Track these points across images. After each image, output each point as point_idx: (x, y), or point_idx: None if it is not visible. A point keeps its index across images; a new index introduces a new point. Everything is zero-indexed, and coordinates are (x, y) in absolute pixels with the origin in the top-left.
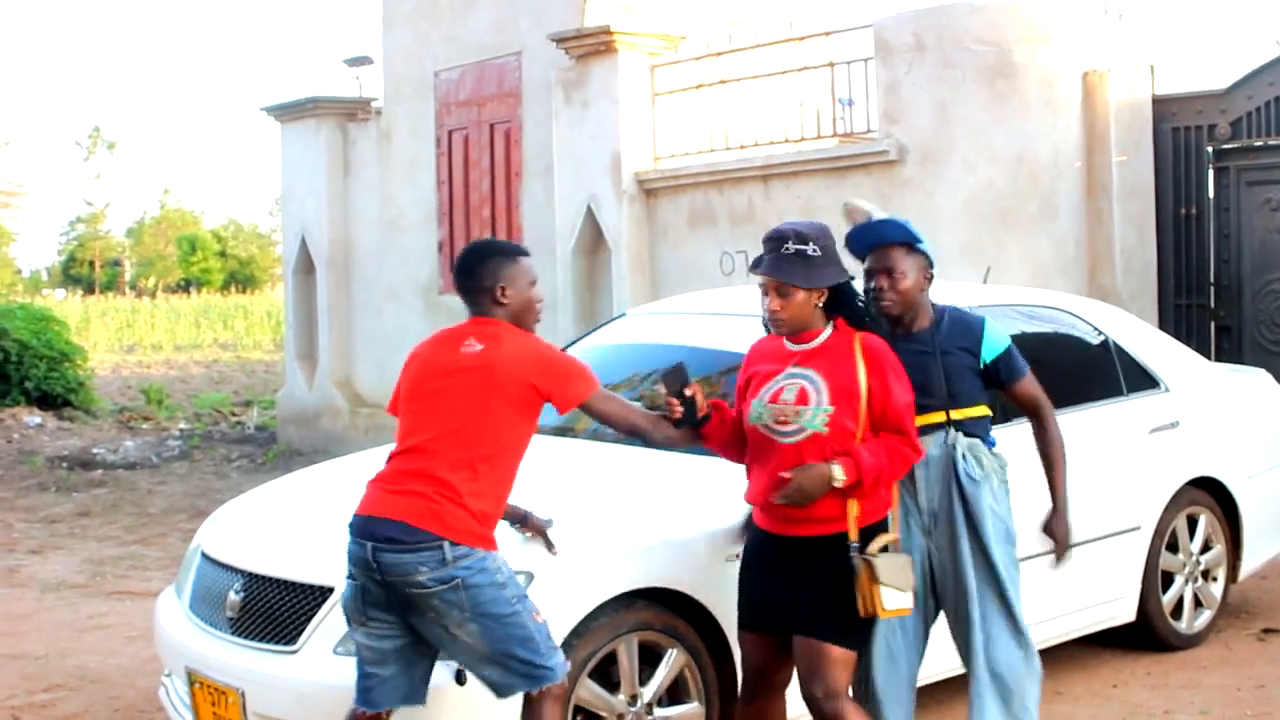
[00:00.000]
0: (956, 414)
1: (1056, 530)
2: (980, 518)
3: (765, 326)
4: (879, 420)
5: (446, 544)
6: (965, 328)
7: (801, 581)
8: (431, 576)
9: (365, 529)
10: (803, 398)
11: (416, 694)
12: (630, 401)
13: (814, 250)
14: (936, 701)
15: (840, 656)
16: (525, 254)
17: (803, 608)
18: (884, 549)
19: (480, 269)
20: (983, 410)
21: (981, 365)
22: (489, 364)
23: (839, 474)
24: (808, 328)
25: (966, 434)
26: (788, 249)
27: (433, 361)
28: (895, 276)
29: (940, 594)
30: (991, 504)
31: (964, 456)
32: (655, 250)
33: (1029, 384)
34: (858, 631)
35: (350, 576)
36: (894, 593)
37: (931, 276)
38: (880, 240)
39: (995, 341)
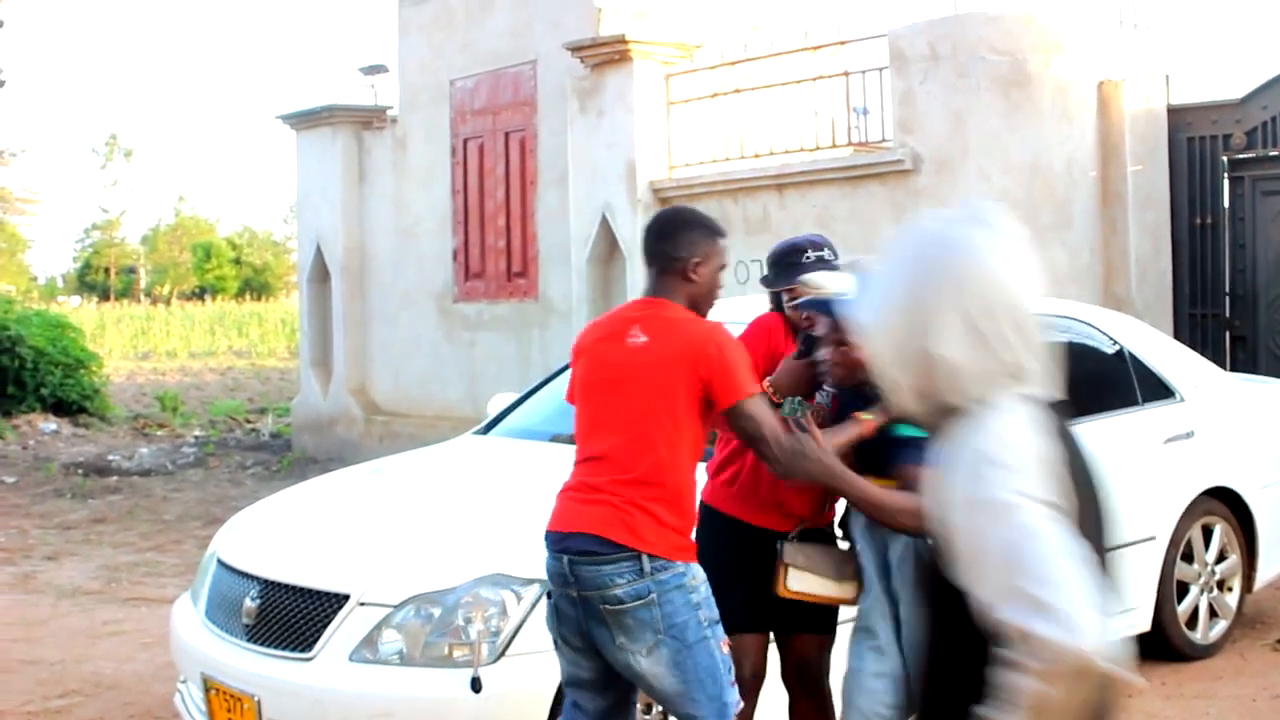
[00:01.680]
0: None
1: None
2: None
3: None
4: None
5: (644, 556)
6: None
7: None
8: (628, 590)
9: (560, 543)
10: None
11: None
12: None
13: (830, 255)
14: None
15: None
16: (724, 235)
17: (796, 603)
18: (807, 538)
19: (679, 237)
20: None
21: None
22: (657, 359)
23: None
24: None
25: None
26: (809, 257)
27: (603, 356)
28: (845, 350)
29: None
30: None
31: None
32: None
33: None
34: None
35: (548, 594)
36: (801, 575)
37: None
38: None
39: None
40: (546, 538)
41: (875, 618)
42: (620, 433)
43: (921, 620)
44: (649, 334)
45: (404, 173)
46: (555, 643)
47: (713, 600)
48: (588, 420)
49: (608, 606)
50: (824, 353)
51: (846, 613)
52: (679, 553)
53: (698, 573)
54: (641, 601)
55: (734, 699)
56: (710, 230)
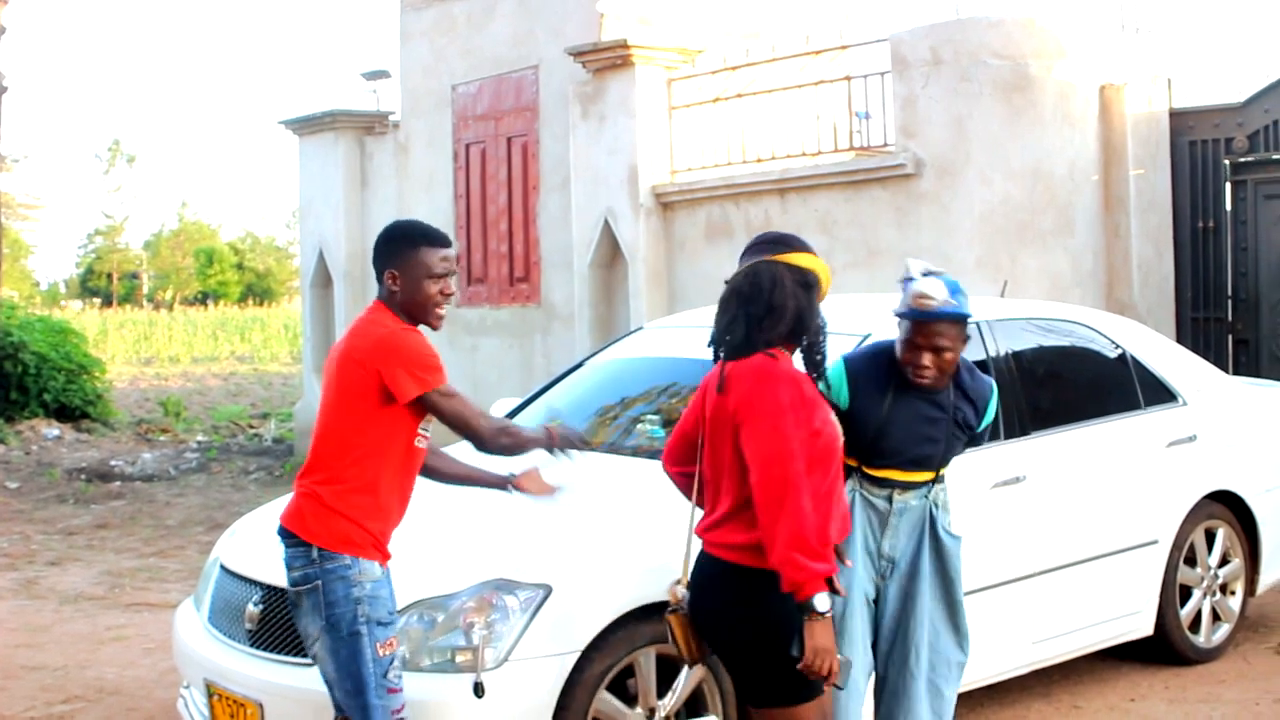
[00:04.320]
0: (943, 469)
1: None
2: (956, 570)
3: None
4: None
5: (313, 547)
6: (978, 394)
7: None
8: (298, 575)
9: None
10: None
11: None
12: (470, 404)
13: None
14: None
15: None
16: (434, 243)
17: None
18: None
19: (381, 248)
20: None
21: (978, 430)
22: (342, 359)
23: None
24: None
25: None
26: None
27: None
28: (945, 355)
29: (878, 639)
30: (960, 553)
31: (942, 509)
32: (672, 263)
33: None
34: None
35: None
36: None
37: (968, 339)
38: (929, 314)
39: (991, 411)
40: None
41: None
42: (318, 430)
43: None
44: (346, 337)
45: (406, 178)
46: None
47: (384, 601)
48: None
49: (291, 589)
50: (918, 357)
51: None
52: (346, 545)
53: (369, 569)
54: (309, 586)
55: (380, 703)
56: (412, 240)
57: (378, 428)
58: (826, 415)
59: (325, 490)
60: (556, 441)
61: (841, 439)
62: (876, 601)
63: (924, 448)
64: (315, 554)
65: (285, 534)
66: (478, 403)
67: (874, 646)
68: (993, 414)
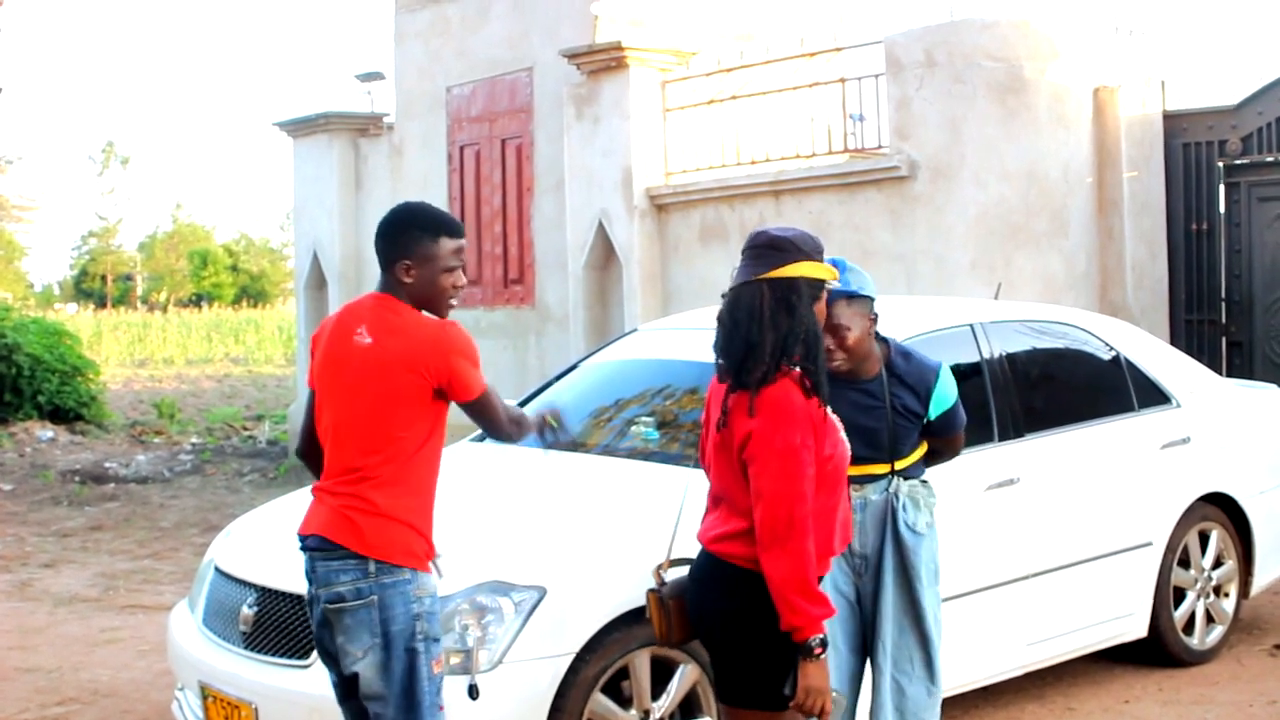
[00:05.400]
0: (900, 464)
1: None
2: (915, 567)
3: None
4: None
5: (370, 560)
6: (917, 377)
7: None
8: (349, 589)
9: (301, 543)
10: None
11: None
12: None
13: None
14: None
15: None
16: (452, 233)
17: None
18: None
19: (396, 236)
20: (922, 451)
21: (925, 420)
22: (383, 362)
23: None
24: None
25: (905, 477)
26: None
27: (332, 353)
28: (841, 334)
29: (864, 636)
30: (926, 550)
31: (904, 506)
32: (666, 265)
33: (960, 439)
34: None
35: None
36: None
37: (876, 318)
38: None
39: (945, 396)
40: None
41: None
42: (350, 436)
43: None
44: (375, 335)
45: (400, 180)
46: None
47: (438, 617)
48: (327, 422)
49: (329, 606)
50: (827, 340)
51: None
52: (407, 558)
53: (426, 583)
54: (362, 602)
55: None
56: (431, 230)
57: (427, 424)
58: (836, 437)
59: (380, 495)
60: (546, 428)
61: (849, 454)
62: (861, 601)
63: (861, 438)
64: (373, 567)
65: (325, 545)
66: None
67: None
68: (949, 399)
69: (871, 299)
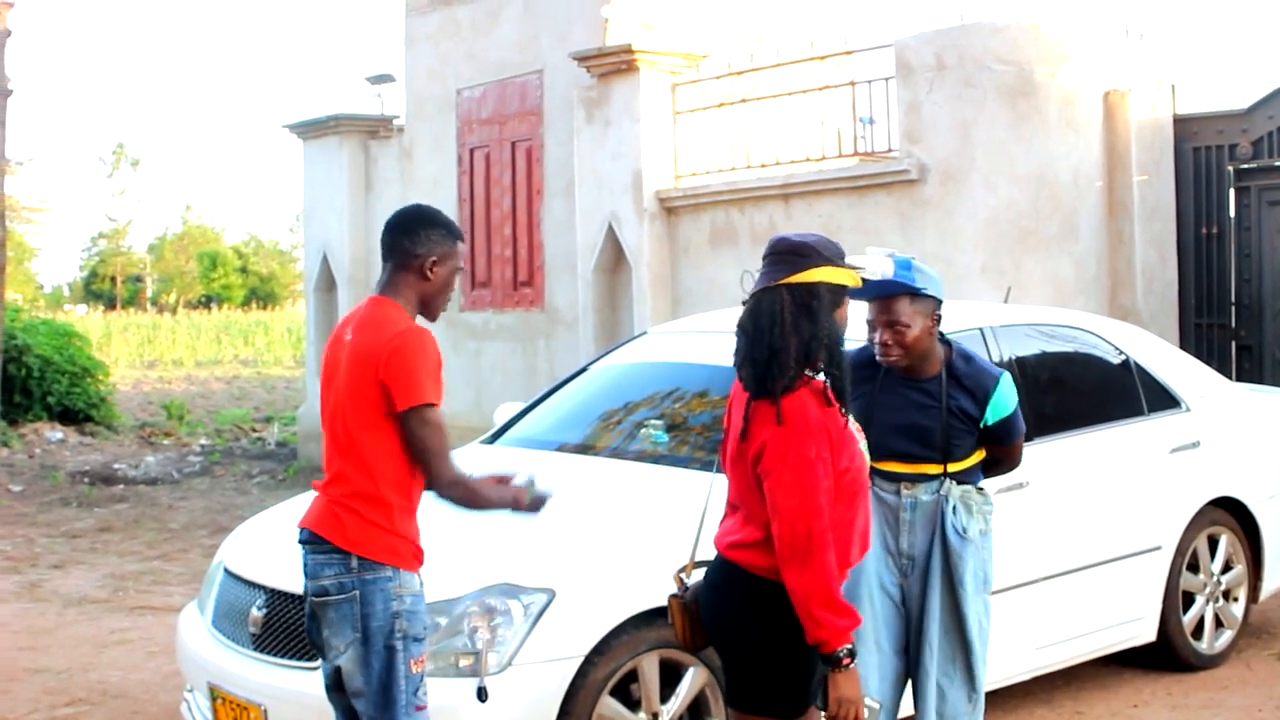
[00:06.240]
0: (954, 466)
1: None
2: (961, 572)
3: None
4: None
5: (352, 556)
6: (977, 383)
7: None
8: (333, 584)
9: (298, 537)
10: None
11: None
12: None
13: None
14: None
15: None
16: (462, 239)
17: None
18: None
19: (421, 233)
20: (979, 457)
21: (983, 425)
22: (354, 357)
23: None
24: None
25: (959, 482)
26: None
27: (328, 353)
28: (899, 329)
29: (909, 637)
30: (974, 557)
31: (954, 509)
32: (676, 268)
33: (1018, 448)
34: None
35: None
36: None
37: (939, 318)
38: (881, 291)
39: (1004, 404)
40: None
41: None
42: (331, 432)
43: None
44: (355, 332)
45: (410, 182)
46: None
47: (420, 616)
48: (324, 421)
49: (315, 599)
50: (877, 335)
51: None
52: (388, 555)
53: (409, 582)
54: (344, 596)
55: None
56: (450, 232)
57: (392, 425)
58: (854, 449)
59: (360, 494)
60: (524, 506)
61: (868, 464)
62: (906, 602)
63: (914, 436)
64: (355, 563)
65: (314, 539)
66: (481, 406)
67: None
68: (1008, 407)
69: (937, 300)
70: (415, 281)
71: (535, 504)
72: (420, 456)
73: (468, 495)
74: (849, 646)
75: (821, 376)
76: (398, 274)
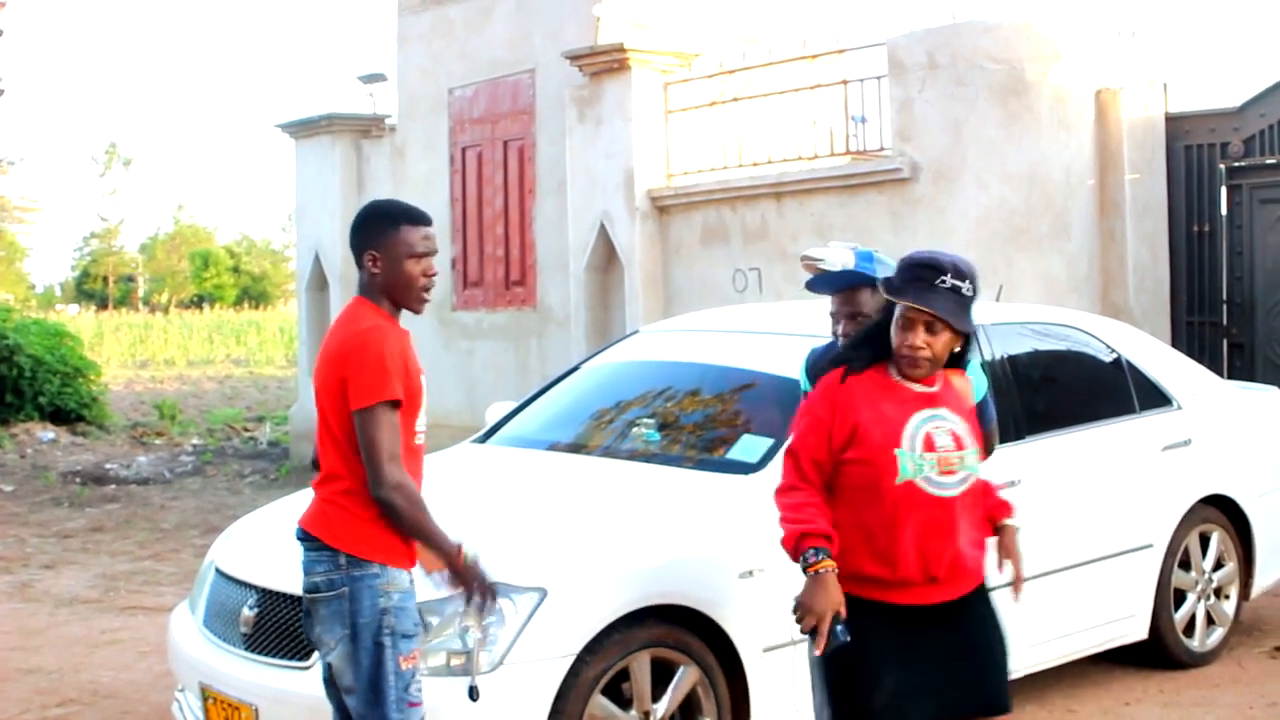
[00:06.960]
0: None
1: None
2: None
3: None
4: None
5: (340, 553)
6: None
7: (966, 650)
8: (323, 580)
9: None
10: (958, 442)
11: None
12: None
13: (968, 290)
14: None
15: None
16: (415, 220)
17: (977, 679)
18: None
19: (358, 230)
20: None
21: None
22: (322, 358)
23: (1014, 520)
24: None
25: None
26: (944, 282)
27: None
28: (861, 321)
29: None
30: None
31: None
32: (668, 267)
33: (992, 435)
34: None
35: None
36: None
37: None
38: (843, 282)
39: (979, 388)
40: None
41: None
42: (320, 430)
43: None
44: (330, 332)
45: (402, 181)
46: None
47: (410, 613)
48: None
49: (308, 595)
50: (847, 327)
51: None
52: (376, 552)
53: (398, 578)
54: (334, 593)
55: (399, 717)
56: (392, 218)
57: None
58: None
59: (345, 493)
60: (461, 569)
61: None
62: None
63: None
64: (343, 560)
65: (307, 537)
66: (473, 405)
67: None
68: (980, 391)
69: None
70: (370, 278)
71: (466, 572)
72: (364, 455)
73: (408, 508)
74: (815, 551)
75: None
76: (360, 274)
